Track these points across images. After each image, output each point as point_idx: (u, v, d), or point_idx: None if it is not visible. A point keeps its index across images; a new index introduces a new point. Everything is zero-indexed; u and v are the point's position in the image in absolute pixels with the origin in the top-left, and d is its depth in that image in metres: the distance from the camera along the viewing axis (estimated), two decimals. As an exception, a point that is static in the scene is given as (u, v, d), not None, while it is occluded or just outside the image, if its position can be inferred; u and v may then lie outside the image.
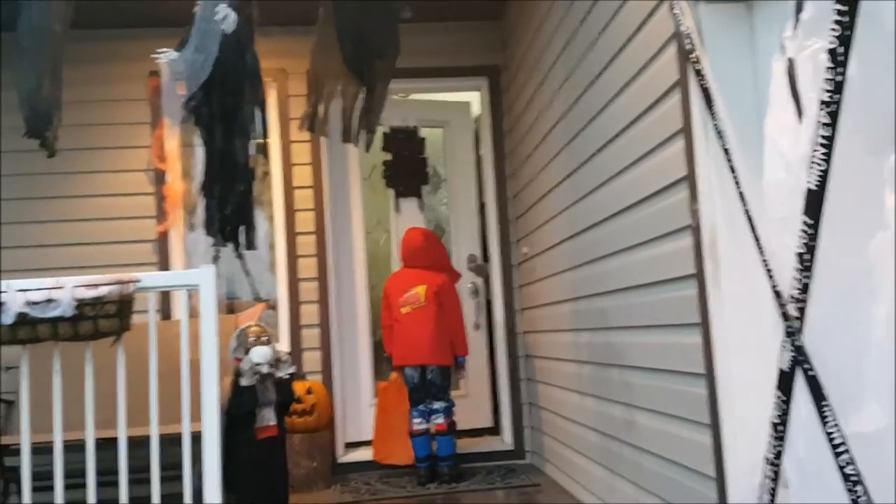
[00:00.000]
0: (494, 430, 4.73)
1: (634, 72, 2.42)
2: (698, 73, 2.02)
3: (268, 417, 3.31)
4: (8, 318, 2.60)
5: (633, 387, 2.63)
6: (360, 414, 4.66)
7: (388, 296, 4.17)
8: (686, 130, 2.10)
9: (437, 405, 4.00)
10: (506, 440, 4.52)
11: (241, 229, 3.00)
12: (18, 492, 3.59)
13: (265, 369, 3.26)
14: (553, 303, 3.69)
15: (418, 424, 4.00)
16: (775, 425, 1.69)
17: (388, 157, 4.96)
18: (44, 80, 3.10)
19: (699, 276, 2.06)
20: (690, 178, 2.08)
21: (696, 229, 2.07)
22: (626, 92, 2.52)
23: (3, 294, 2.58)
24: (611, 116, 2.67)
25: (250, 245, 3.01)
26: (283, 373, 3.34)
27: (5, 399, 3.65)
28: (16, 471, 3.28)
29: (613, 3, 2.56)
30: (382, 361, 4.60)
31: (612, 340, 2.80)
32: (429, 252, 4.20)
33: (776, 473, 1.72)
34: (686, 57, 2.07)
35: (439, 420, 3.99)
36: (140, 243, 4.29)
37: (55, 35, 3.12)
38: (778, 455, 1.71)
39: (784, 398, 1.65)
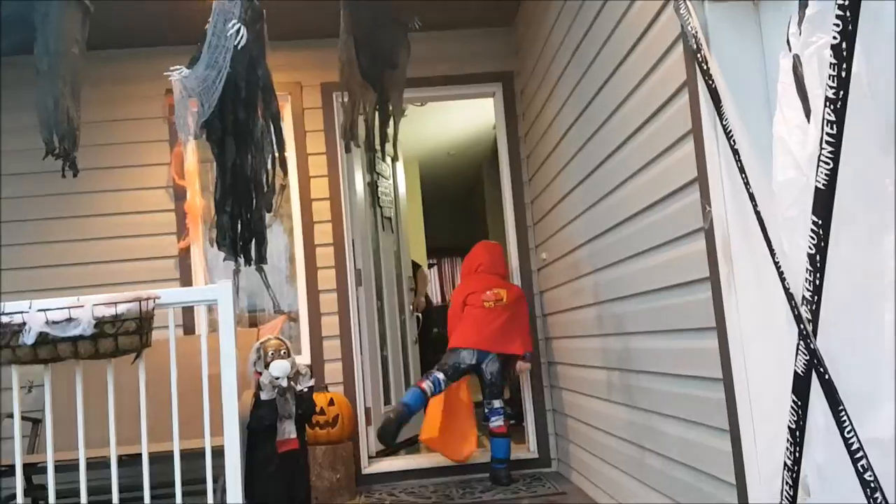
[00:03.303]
0: (519, 436, 4.69)
1: (643, 74, 2.39)
2: (706, 72, 1.98)
3: (288, 431, 3.31)
4: (30, 338, 2.62)
5: (653, 392, 2.59)
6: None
7: (465, 294, 4.23)
8: (695, 131, 2.07)
9: (497, 404, 4.06)
10: (531, 448, 4.48)
11: (253, 243, 3.00)
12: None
13: (284, 383, 3.27)
14: (573, 308, 3.65)
15: (427, 385, 3.97)
16: (793, 430, 1.65)
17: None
18: (62, 101, 3.16)
19: (713, 279, 2.02)
20: (701, 180, 2.04)
21: (708, 232, 2.03)
22: (635, 95, 2.49)
23: (24, 314, 2.63)
24: (621, 119, 2.64)
25: (261, 259, 3.02)
26: (302, 386, 3.35)
27: (32, 418, 3.70)
28: (44, 489, 3.32)
29: (621, 3, 2.53)
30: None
31: (631, 346, 2.76)
32: (503, 264, 4.42)
33: (795, 480, 1.68)
34: (693, 57, 2.03)
35: (499, 422, 4.04)
36: (162, 259, 4.34)
37: (72, 57, 3.17)
38: (797, 461, 1.66)
39: (800, 403, 1.61)
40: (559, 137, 3.58)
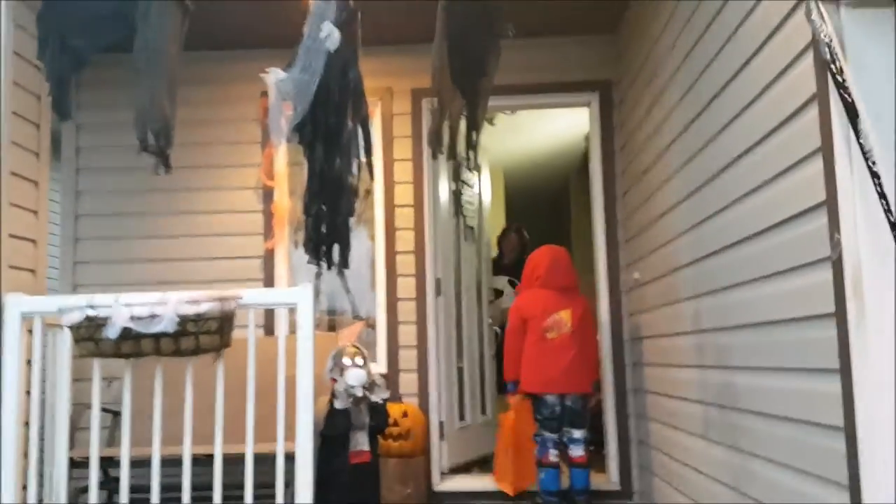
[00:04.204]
0: (599, 466, 4.46)
1: (765, 84, 2.18)
2: (840, 85, 1.77)
3: (361, 442, 3.23)
4: (113, 333, 2.63)
5: (757, 434, 2.35)
6: (457, 440, 4.53)
7: (524, 319, 3.92)
8: (825, 150, 1.85)
9: (578, 434, 3.81)
10: (612, 479, 4.25)
11: (336, 248, 2.94)
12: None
13: (359, 392, 3.19)
14: (668, 335, 3.43)
15: (554, 456, 3.80)
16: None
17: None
18: (159, 98, 3.18)
19: (839, 316, 1.80)
20: (830, 204, 1.82)
21: (836, 263, 1.80)
22: (754, 106, 2.27)
23: (110, 308, 2.64)
24: (737, 132, 2.42)
25: (344, 264, 2.94)
26: (377, 397, 3.26)
27: (112, 410, 3.75)
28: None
29: (743, 4, 2.32)
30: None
31: (734, 381, 2.53)
32: (570, 272, 4.02)
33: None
34: (825, 67, 1.82)
35: (579, 451, 3.80)
36: (247, 259, 4.35)
37: (170, 55, 3.20)
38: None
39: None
40: (662, 150, 3.37)
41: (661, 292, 3.51)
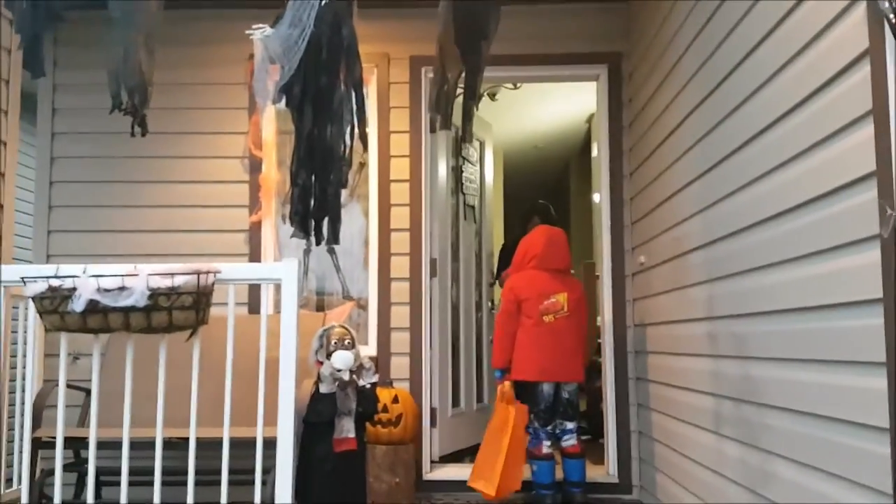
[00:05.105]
0: (596, 457, 4.27)
1: (803, 44, 1.95)
2: (901, 36, 1.54)
3: (347, 428, 3.01)
4: (79, 305, 2.43)
5: (776, 431, 2.15)
6: (449, 428, 4.33)
7: (520, 301, 3.70)
8: (877, 113, 1.62)
9: (571, 426, 3.63)
10: (610, 471, 4.06)
11: (326, 221, 2.71)
12: (96, 486, 3.52)
13: (346, 376, 2.97)
14: (676, 321, 3.21)
15: (547, 447, 3.62)
16: None
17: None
18: (134, 52, 2.94)
19: (888, 303, 1.58)
20: (882, 175, 1.60)
21: (887, 241, 1.59)
22: (789, 68, 2.05)
23: (76, 279, 2.43)
24: (767, 100, 2.19)
25: (334, 239, 2.73)
26: (365, 381, 3.04)
27: (85, 388, 3.53)
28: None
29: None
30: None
31: (754, 373, 2.32)
32: (566, 254, 3.81)
33: None
34: (881, 17, 1.60)
35: (572, 441, 3.63)
36: (231, 233, 4.12)
37: (148, 7, 2.96)
38: None
39: None
40: (675, 125, 3.14)
41: (669, 277, 3.29)
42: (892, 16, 1.56)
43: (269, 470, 2.55)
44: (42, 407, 3.34)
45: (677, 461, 3.19)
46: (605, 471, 4.08)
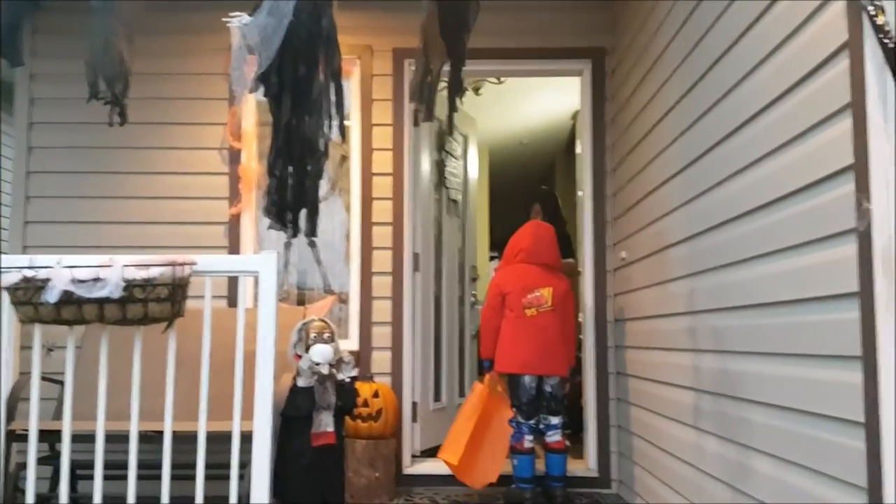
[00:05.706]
0: (576, 451, 4.27)
1: (783, 37, 1.95)
2: (880, 29, 1.54)
3: (325, 423, 2.99)
4: (52, 296, 2.39)
5: (754, 426, 2.15)
6: (431, 422, 4.31)
7: (504, 294, 3.71)
8: (855, 106, 1.62)
9: (555, 420, 3.63)
10: (589, 465, 4.06)
11: (302, 214, 2.68)
12: (72, 480, 3.47)
13: (325, 370, 2.95)
14: (656, 316, 3.21)
15: (529, 441, 3.62)
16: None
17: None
18: (114, 40, 2.90)
19: (864, 297, 1.58)
20: (859, 168, 1.60)
21: (863, 235, 1.59)
22: (767, 64, 2.04)
23: (50, 270, 2.39)
24: (746, 95, 2.19)
25: (312, 231, 2.69)
26: (344, 375, 3.02)
27: (59, 380, 3.48)
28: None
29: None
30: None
31: (733, 367, 2.32)
32: (554, 250, 3.80)
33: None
34: (860, 10, 1.59)
35: (556, 437, 3.62)
36: (210, 225, 4.07)
37: (127, -6, 2.92)
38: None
39: None
40: (656, 121, 3.14)
41: (650, 272, 3.29)
42: (871, 8, 1.56)
43: (245, 464, 2.53)
44: (17, 400, 3.29)
45: (656, 456, 3.19)
46: (584, 465, 4.08)
